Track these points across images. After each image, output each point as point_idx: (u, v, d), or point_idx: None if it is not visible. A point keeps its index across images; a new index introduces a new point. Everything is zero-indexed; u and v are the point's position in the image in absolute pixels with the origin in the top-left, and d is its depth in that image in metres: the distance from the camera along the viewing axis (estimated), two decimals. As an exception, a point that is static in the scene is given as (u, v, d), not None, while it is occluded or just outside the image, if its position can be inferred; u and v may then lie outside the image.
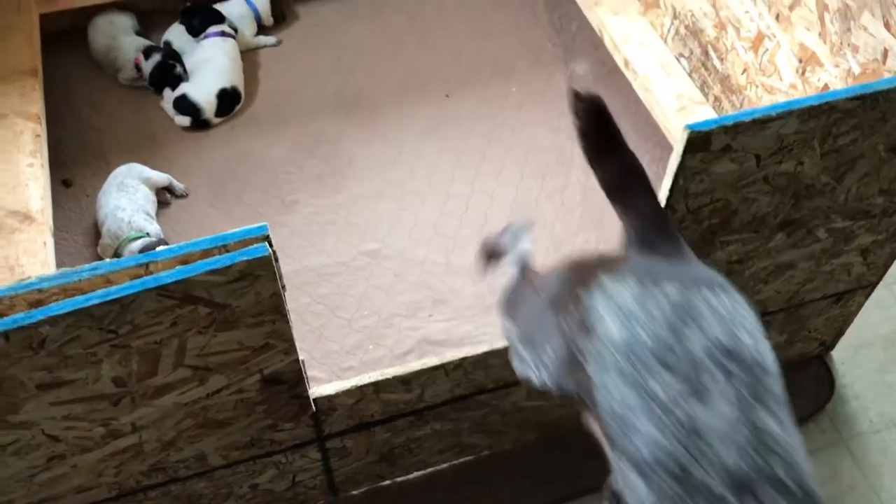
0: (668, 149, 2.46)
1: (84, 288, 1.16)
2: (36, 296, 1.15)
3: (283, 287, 1.29)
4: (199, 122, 2.60)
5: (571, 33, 2.93)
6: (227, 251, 1.20)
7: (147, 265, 1.17)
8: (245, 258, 1.17)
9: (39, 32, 2.61)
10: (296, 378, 1.45)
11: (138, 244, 2.24)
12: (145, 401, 1.34)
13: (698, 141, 1.34)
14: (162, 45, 2.75)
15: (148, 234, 2.27)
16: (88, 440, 1.36)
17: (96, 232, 2.35)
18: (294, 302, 2.26)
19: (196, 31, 2.70)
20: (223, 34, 2.70)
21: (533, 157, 2.59)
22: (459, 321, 2.22)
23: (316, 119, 2.67)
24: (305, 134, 2.63)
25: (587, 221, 2.44)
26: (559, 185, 2.53)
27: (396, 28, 2.95)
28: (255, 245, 1.19)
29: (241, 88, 2.68)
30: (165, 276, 1.15)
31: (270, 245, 1.21)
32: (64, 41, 2.78)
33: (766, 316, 1.85)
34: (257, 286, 1.22)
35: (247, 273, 1.19)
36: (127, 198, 2.32)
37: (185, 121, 2.60)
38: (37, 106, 2.37)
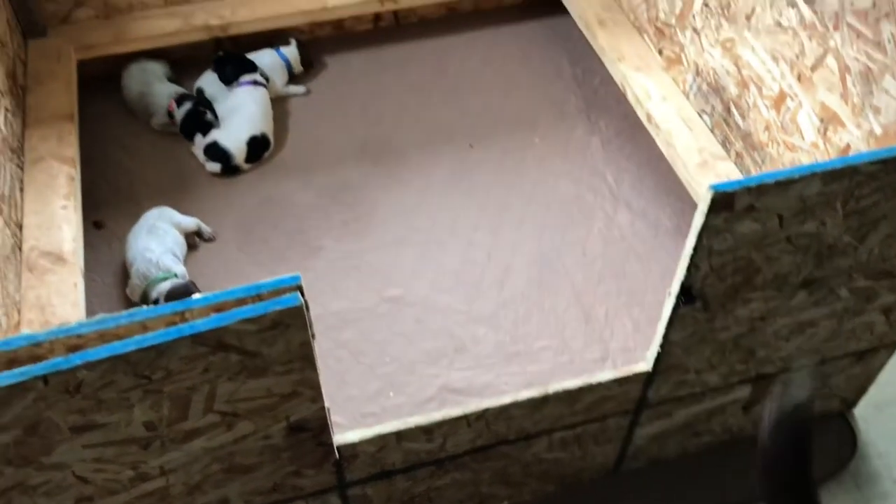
0: (690, 202, 2.49)
1: (121, 334, 1.19)
2: (75, 340, 1.18)
3: (313, 335, 1.31)
4: (230, 169, 2.66)
5: (594, 87, 2.98)
6: (261, 300, 1.23)
7: (182, 313, 1.21)
8: (278, 307, 1.20)
9: (77, 78, 2.70)
10: (321, 425, 1.47)
11: (166, 285, 2.28)
12: (174, 445, 1.36)
13: (722, 201, 1.36)
14: (194, 93, 2.83)
15: (176, 274, 2.31)
16: (117, 483, 1.38)
17: (125, 273, 2.39)
18: (317, 346, 2.28)
19: (229, 79, 2.77)
20: (255, 83, 2.77)
21: (555, 208, 2.63)
22: (480, 370, 2.24)
23: (342, 166, 2.73)
24: (331, 180, 2.69)
25: (608, 272, 2.46)
26: (580, 235, 2.55)
27: (423, 79, 3.02)
28: (287, 294, 1.22)
29: (271, 135, 2.74)
30: (201, 324, 1.18)
31: (302, 294, 1.24)
32: (100, 86, 2.86)
33: (787, 373, 1.85)
34: (288, 335, 1.25)
35: (279, 322, 1.22)
36: (156, 240, 2.37)
37: (215, 167, 2.66)
38: (72, 150, 2.43)
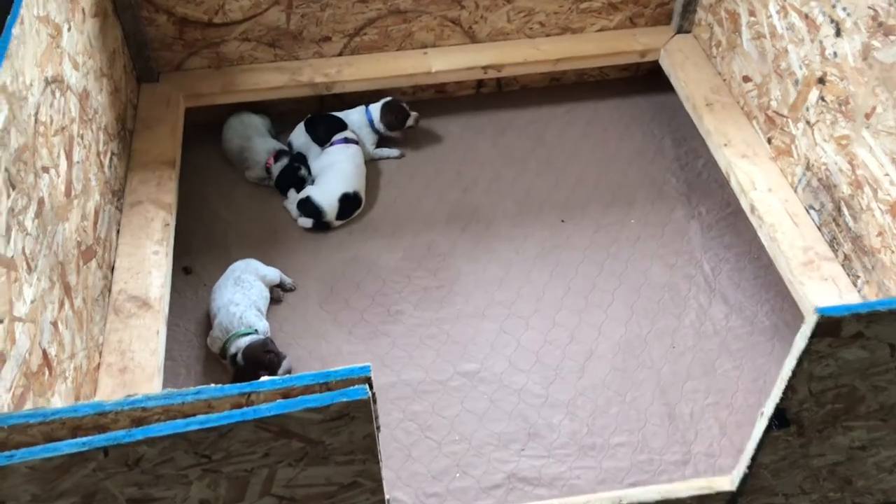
0: (791, 301, 2.36)
1: (186, 411, 1.17)
2: (140, 413, 1.17)
3: (378, 428, 1.27)
4: (321, 225, 2.67)
5: (697, 170, 2.89)
6: (329, 388, 1.19)
7: (249, 395, 1.18)
8: (344, 399, 1.16)
9: (183, 124, 2.77)
10: (379, 517, 1.41)
11: (245, 340, 2.28)
12: (228, 523, 1.33)
13: (827, 326, 1.26)
14: (288, 146, 2.87)
15: (256, 330, 2.32)
16: (168, 554, 1.36)
17: (208, 322, 2.41)
18: (386, 416, 2.24)
19: (322, 140, 2.81)
20: (346, 140, 2.80)
21: (645, 294, 2.53)
22: (552, 460, 2.14)
23: (430, 231, 2.70)
24: (418, 244, 2.66)
25: (697, 369, 2.34)
26: (671, 325, 2.44)
27: (520, 149, 2.98)
28: (356, 386, 1.18)
29: (363, 194, 2.75)
30: (265, 409, 1.15)
31: (371, 387, 1.20)
32: (204, 134, 2.94)
33: (888, 506, 1.70)
34: (353, 426, 1.21)
35: (344, 413, 1.18)
36: (242, 293, 2.38)
37: (307, 222, 2.67)
38: (170, 196, 2.49)
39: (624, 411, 2.25)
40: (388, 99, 2.91)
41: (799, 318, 2.30)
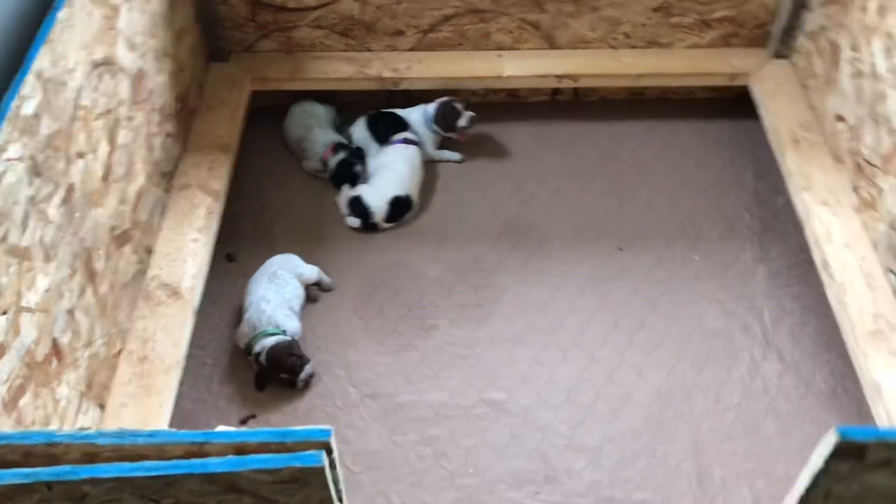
0: (851, 366, 2.15)
1: (139, 452, 1.13)
2: (91, 448, 1.12)
3: (340, 496, 1.19)
4: (368, 226, 2.61)
5: (775, 209, 2.67)
6: (286, 449, 1.12)
7: (202, 444, 1.12)
8: (297, 464, 1.09)
9: (247, 107, 2.74)
10: (344, 572, 1.34)
11: (271, 341, 2.25)
12: (184, 561, 1.28)
13: (849, 450, 1.11)
14: (348, 139, 2.81)
15: (284, 331, 2.28)
16: (125, 580, 1.33)
17: (241, 314, 2.39)
18: (401, 436, 2.18)
19: (382, 138, 2.74)
20: (406, 141, 2.71)
21: (696, 339, 2.36)
22: (566, 508, 2.04)
23: (478, 244, 2.60)
24: (464, 257, 2.57)
25: (739, 429, 2.17)
26: (718, 378, 2.28)
27: (588, 165, 2.83)
28: (312, 451, 1.10)
29: (416, 198, 2.67)
30: (213, 464, 1.09)
31: (329, 453, 1.12)
32: (271, 117, 2.90)
33: None
34: (307, 490, 1.14)
35: (298, 478, 1.11)
36: (275, 290, 2.34)
37: (355, 222, 2.62)
38: (220, 183, 2.47)
39: (652, 466, 2.12)
40: (444, 98, 2.80)
41: (861, 388, 2.10)
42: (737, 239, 2.60)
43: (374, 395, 2.25)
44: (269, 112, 2.90)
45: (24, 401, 1.61)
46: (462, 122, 2.76)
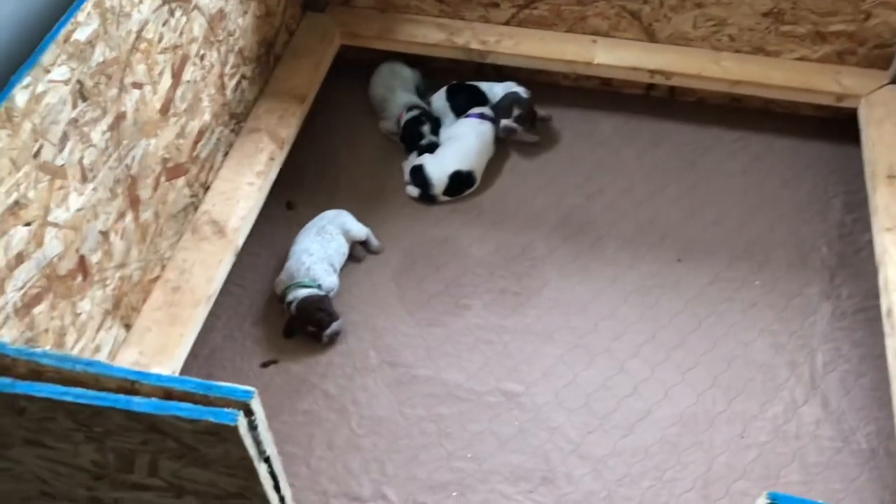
0: (900, 431, 1.99)
1: (77, 378, 1.17)
2: (34, 366, 1.18)
3: (265, 456, 1.20)
4: (427, 197, 2.60)
5: (858, 246, 2.47)
6: (208, 402, 1.13)
7: (134, 382, 1.15)
8: (212, 419, 1.10)
9: (333, 61, 2.77)
10: (276, 531, 1.36)
11: (304, 292, 2.29)
12: (124, 489, 1.33)
13: (781, 521, 1.02)
14: (427, 105, 2.79)
15: (320, 285, 2.31)
16: (75, 495, 1.39)
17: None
18: (411, 409, 2.18)
19: (460, 110, 2.70)
20: (482, 116, 2.67)
21: (736, 368, 2.23)
22: (554, 514, 1.99)
23: (531, 231, 2.54)
24: (514, 243, 2.52)
25: (758, 470, 2.05)
26: (749, 412, 2.15)
27: (666, 168, 2.70)
28: (230, 409, 1.11)
29: (479, 175, 2.63)
30: (136, 403, 1.12)
31: (250, 415, 1.13)
32: (355, 74, 2.92)
33: None
34: (226, 446, 1.15)
35: (215, 432, 1.13)
36: (320, 244, 2.38)
37: (414, 191, 2.61)
38: (288, 132, 2.51)
39: (655, 489, 2.03)
40: (517, 91, 2.72)
41: (902, 454, 1.94)
42: (807, 271, 2.43)
43: (393, 363, 2.26)
44: (357, 68, 2.92)
45: (39, 310, 1.71)
46: (503, 122, 2.67)
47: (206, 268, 2.20)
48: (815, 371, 2.22)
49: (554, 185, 2.67)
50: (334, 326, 2.27)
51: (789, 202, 2.60)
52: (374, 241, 2.50)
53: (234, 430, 1.11)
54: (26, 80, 1.58)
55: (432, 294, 2.40)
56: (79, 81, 1.72)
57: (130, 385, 1.16)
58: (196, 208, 2.31)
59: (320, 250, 2.38)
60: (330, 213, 2.48)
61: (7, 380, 1.15)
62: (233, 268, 2.24)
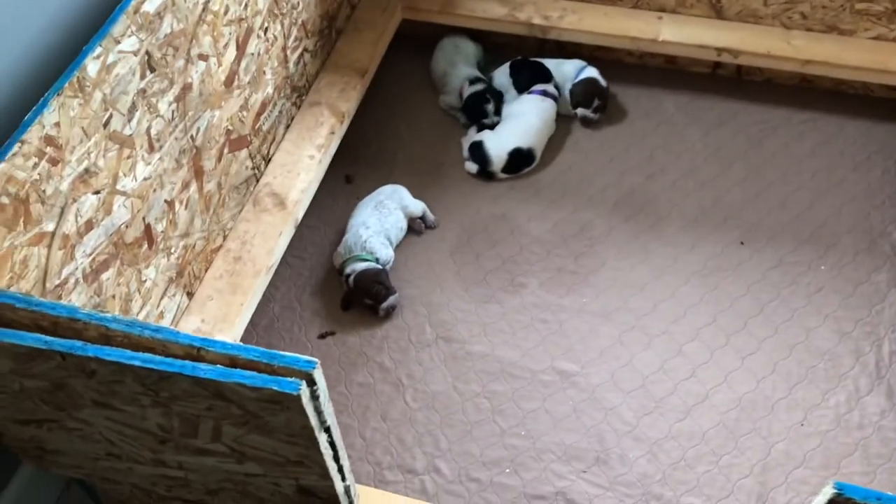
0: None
1: (145, 344, 1.20)
2: (106, 331, 1.21)
3: (326, 426, 1.21)
4: (485, 173, 2.59)
5: (930, 232, 2.40)
6: (272, 371, 1.15)
7: (200, 349, 1.18)
8: (275, 387, 1.12)
9: (394, 35, 2.76)
10: (332, 499, 1.38)
11: (361, 266, 2.30)
12: (188, 453, 1.37)
13: (848, 511, 1.00)
14: (488, 80, 2.77)
15: (377, 259, 2.32)
16: (140, 457, 1.43)
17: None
18: (464, 384, 2.18)
19: (521, 87, 2.67)
20: (545, 93, 2.64)
21: (798, 354, 2.19)
22: (610, 493, 1.98)
23: (591, 209, 2.51)
24: (572, 221, 2.49)
25: (819, 459, 2.01)
26: (811, 400, 2.11)
27: (731, 149, 2.64)
28: (293, 378, 1.13)
29: (539, 152, 2.61)
30: (203, 370, 1.14)
31: (312, 384, 1.14)
32: (417, 48, 2.91)
33: None
34: (288, 414, 1.17)
35: (278, 400, 1.14)
36: (377, 218, 2.39)
37: (472, 168, 2.60)
38: (349, 105, 2.51)
39: (711, 474, 2.00)
40: (593, 75, 2.69)
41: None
42: (876, 257, 2.36)
43: (448, 338, 2.27)
44: (418, 42, 2.91)
45: (107, 276, 1.75)
46: (581, 111, 2.67)
47: (266, 239, 2.23)
48: (882, 360, 2.16)
49: (615, 163, 2.63)
50: (391, 300, 2.29)
51: (859, 186, 2.52)
52: (431, 216, 2.50)
53: (297, 399, 1.13)
54: (97, 49, 1.61)
55: (488, 271, 2.40)
56: (147, 52, 1.74)
57: (196, 352, 1.18)
58: (257, 180, 2.34)
59: (377, 224, 2.39)
60: (387, 189, 2.48)
61: (78, 343, 1.18)
62: (292, 240, 2.27)
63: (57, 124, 1.52)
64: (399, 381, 2.20)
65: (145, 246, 1.87)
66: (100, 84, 1.63)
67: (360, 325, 2.32)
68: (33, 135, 1.47)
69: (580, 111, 2.66)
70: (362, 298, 2.30)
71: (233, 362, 1.17)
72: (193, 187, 2.02)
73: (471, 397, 2.16)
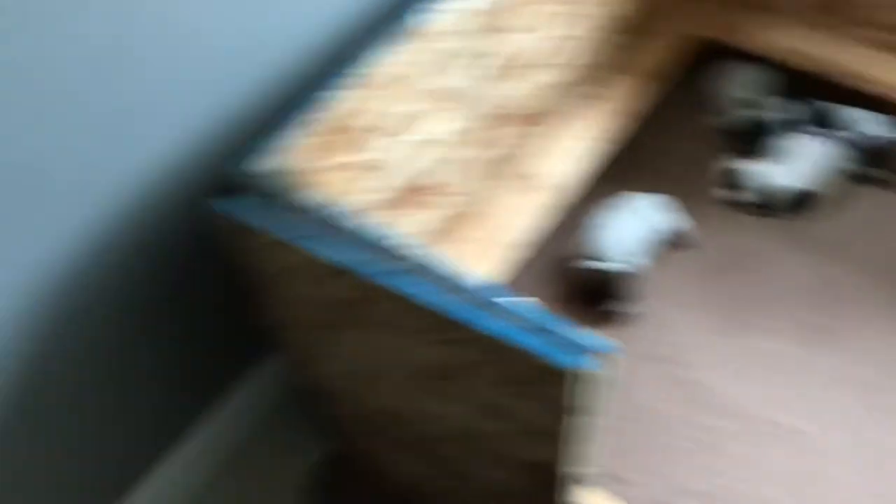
0: None
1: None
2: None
3: (590, 410, 1.24)
4: (759, 206, 2.48)
5: None
6: (558, 342, 1.19)
7: (493, 305, 1.23)
8: (557, 359, 1.15)
9: (693, 49, 2.73)
10: (561, 481, 1.42)
11: (610, 266, 2.29)
12: (442, 397, 1.44)
13: None
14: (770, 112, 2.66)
15: (626, 264, 2.29)
16: (397, 385, 1.53)
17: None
18: (682, 410, 2.14)
19: (805, 125, 2.56)
20: (828, 137, 2.52)
21: None
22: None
23: (861, 270, 2.35)
24: (837, 276, 2.34)
25: None
26: None
27: None
28: (581, 354, 1.16)
29: (816, 195, 2.48)
30: (495, 325, 1.20)
31: (596, 366, 1.17)
32: (711, 65, 2.82)
33: None
34: (560, 389, 1.21)
35: (555, 373, 1.18)
36: (632, 222, 2.35)
37: (743, 196, 2.50)
38: (635, 106, 2.51)
39: (932, 580, 1.85)
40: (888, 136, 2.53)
41: None
42: None
43: (676, 361, 2.22)
44: (713, 60, 2.84)
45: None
46: (868, 169, 2.50)
47: (526, 217, 2.29)
48: None
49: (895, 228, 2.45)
50: (631, 307, 2.27)
51: None
52: (689, 235, 2.45)
53: (580, 376, 1.16)
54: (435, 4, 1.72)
55: (735, 304, 2.32)
56: (474, 14, 1.83)
57: (489, 306, 1.25)
58: (533, 159, 2.40)
59: (631, 229, 2.36)
60: (648, 197, 2.45)
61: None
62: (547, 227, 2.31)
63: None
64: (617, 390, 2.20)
65: (429, 196, 1.98)
66: (431, 38, 1.73)
67: (593, 325, 2.32)
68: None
69: (866, 170, 2.51)
70: (602, 299, 2.30)
71: (522, 324, 1.22)
72: (479, 153, 2.11)
73: (683, 424, 2.12)
